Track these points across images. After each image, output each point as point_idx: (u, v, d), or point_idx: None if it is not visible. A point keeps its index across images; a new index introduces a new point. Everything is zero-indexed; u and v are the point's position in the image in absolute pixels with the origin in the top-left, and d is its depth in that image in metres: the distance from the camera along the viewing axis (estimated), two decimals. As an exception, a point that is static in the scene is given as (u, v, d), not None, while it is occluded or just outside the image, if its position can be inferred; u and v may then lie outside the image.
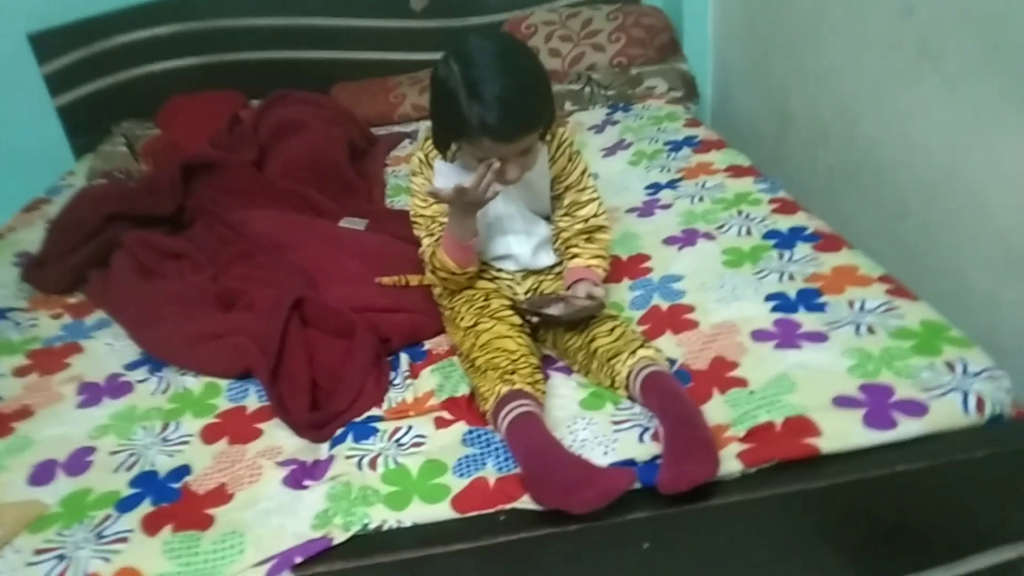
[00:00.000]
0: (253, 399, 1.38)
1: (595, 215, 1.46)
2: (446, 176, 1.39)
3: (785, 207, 1.71)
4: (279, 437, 1.28)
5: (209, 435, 1.30)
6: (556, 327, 1.34)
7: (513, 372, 1.22)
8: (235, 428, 1.30)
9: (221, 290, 1.61)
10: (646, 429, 1.16)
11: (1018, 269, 1.42)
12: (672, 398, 1.14)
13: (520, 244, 1.44)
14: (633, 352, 1.22)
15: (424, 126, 1.50)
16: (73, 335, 1.64)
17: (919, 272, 1.59)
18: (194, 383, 1.43)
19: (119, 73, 2.79)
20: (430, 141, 1.41)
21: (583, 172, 1.45)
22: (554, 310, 1.32)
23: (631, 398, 1.22)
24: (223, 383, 1.42)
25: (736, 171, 1.92)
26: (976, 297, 1.52)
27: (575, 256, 1.44)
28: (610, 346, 1.25)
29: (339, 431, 1.26)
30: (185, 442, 1.29)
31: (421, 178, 1.43)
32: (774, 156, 2.31)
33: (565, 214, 1.46)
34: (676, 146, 2.13)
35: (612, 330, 1.29)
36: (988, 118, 1.45)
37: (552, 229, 1.49)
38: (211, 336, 1.46)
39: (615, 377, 1.22)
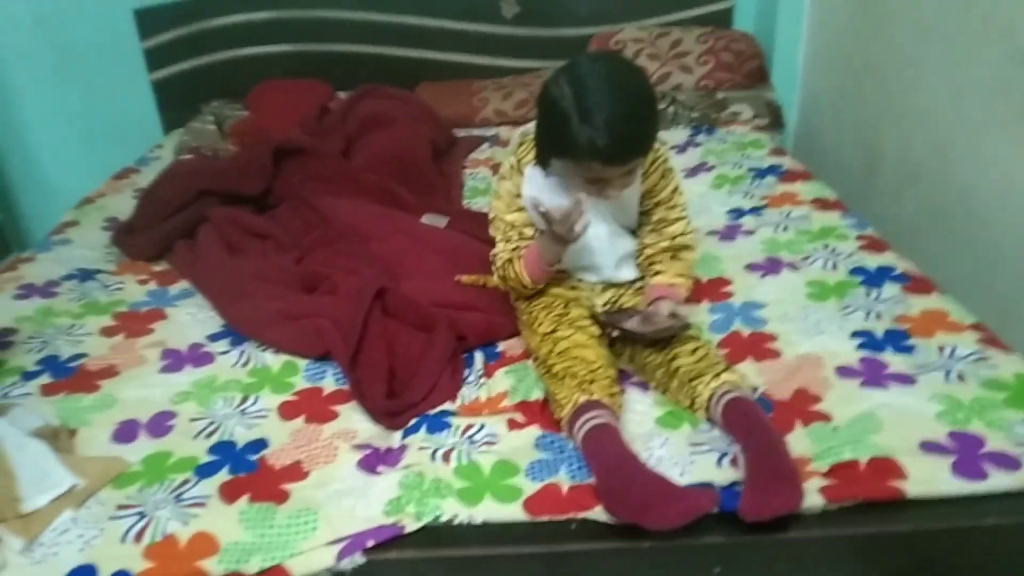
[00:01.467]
0: (330, 381, 1.40)
1: (682, 234, 1.45)
2: (536, 184, 1.40)
3: (873, 244, 1.68)
4: (354, 421, 1.29)
5: (287, 412, 1.32)
6: (636, 343, 1.34)
7: (592, 382, 1.21)
8: (312, 408, 1.32)
9: (304, 273, 1.64)
10: (724, 454, 1.14)
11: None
12: (756, 425, 1.12)
13: (604, 255, 1.44)
14: (717, 375, 1.21)
15: (516, 134, 1.51)
16: (158, 302, 1.69)
17: (1010, 323, 1.54)
18: (273, 360, 1.46)
19: (214, 54, 2.87)
20: (524, 147, 1.42)
21: (674, 190, 1.45)
22: (638, 326, 1.31)
23: (711, 421, 1.21)
24: (301, 363, 1.45)
25: (822, 204, 1.89)
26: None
27: (658, 273, 1.43)
28: (692, 367, 1.24)
29: (413, 421, 1.28)
30: (263, 416, 1.31)
31: (509, 183, 1.43)
32: (858, 193, 2.27)
33: (652, 231, 1.46)
34: (760, 173, 2.11)
35: (695, 351, 1.27)
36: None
37: (636, 244, 1.48)
38: (293, 316, 1.49)
39: (696, 398, 1.21)
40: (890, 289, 1.51)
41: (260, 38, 2.87)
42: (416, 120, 2.39)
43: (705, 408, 1.20)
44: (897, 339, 1.36)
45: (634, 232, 1.50)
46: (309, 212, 1.86)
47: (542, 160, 1.36)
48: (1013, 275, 1.65)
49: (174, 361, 1.47)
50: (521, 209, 1.42)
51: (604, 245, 1.44)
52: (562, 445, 1.19)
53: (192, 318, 1.62)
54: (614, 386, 1.24)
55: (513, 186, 1.43)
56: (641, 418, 1.25)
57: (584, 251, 1.44)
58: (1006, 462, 1.08)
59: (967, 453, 1.10)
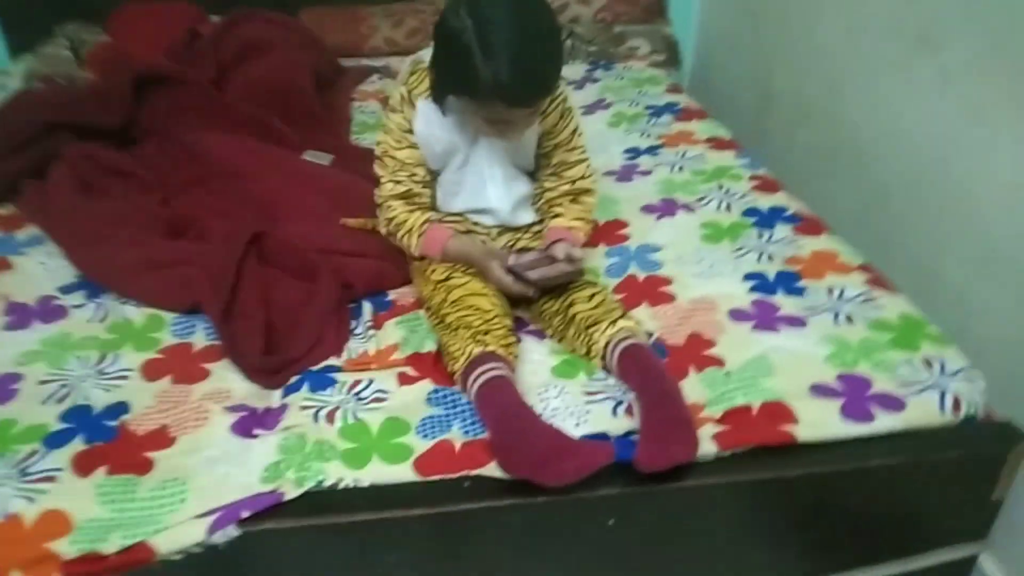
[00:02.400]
0: (200, 336, 1.29)
1: (583, 177, 1.39)
2: (428, 119, 1.30)
3: (766, 185, 1.68)
4: (228, 380, 1.19)
5: (151, 371, 1.20)
6: (526, 293, 1.28)
7: (486, 332, 1.16)
8: (180, 366, 1.21)
9: (171, 215, 1.50)
10: (620, 403, 1.12)
11: (994, 269, 1.42)
12: (652, 374, 1.10)
13: (500, 199, 1.37)
14: (613, 322, 1.17)
15: (407, 62, 1.39)
16: (2, 250, 1.50)
17: (892, 262, 1.58)
18: (136, 313, 1.33)
19: (67, -32, 2.56)
20: (416, 76, 1.31)
21: (574, 131, 1.38)
22: (532, 274, 1.25)
23: (606, 369, 1.17)
24: (168, 316, 1.33)
25: (717, 143, 1.88)
26: (948, 293, 1.52)
27: (557, 216, 1.37)
28: (589, 313, 1.20)
29: (294, 379, 1.19)
30: (124, 377, 1.19)
31: (400, 116, 1.33)
32: (751, 130, 2.27)
33: (552, 173, 1.39)
34: (657, 111, 2.07)
35: (591, 297, 1.23)
36: (983, 115, 1.43)
37: (535, 187, 1.42)
38: (158, 264, 1.36)
39: (592, 346, 1.17)
40: (782, 230, 1.51)
41: (120, -48, 2.58)
42: (298, 47, 2.21)
43: (601, 356, 1.17)
44: (788, 281, 1.36)
45: (531, 174, 1.43)
46: (176, 148, 1.69)
47: (438, 96, 1.27)
48: (898, 215, 1.69)
49: (20, 316, 1.32)
50: (413, 145, 1.32)
51: (500, 188, 1.37)
52: (455, 399, 1.14)
53: (43, 267, 1.46)
54: (510, 336, 1.19)
55: (404, 120, 1.32)
56: (537, 367, 1.21)
57: (479, 194, 1.37)
58: (891, 403, 1.10)
59: (855, 395, 1.11)
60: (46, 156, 1.70)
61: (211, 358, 1.24)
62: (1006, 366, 1.36)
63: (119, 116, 1.77)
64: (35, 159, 1.69)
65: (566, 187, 1.39)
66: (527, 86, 1.15)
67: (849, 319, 1.26)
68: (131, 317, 1.32)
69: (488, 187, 1.36)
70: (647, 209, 1.62)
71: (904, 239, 1.66)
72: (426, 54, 1.29)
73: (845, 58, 1.88)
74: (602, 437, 1.07)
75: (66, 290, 1.39)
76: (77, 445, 1.05)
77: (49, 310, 1.34)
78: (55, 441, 1.06)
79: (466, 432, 1.08)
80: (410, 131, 1.32)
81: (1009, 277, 1.39)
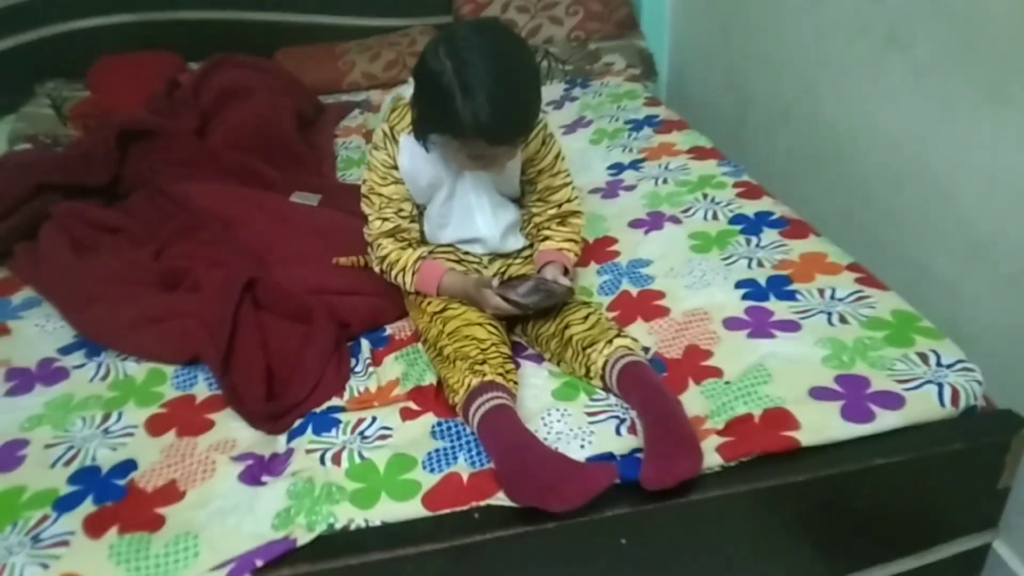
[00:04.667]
0: (202, 387, 1.29)
1: (568, 200, 1.41)
2: (411, 155, 1.32)
3: (750, 191, 1.69)
4: (233, 429, 1.20)
5: (155, 426, 1.21)
6: (525, 314, 1.29)
7: (484, 362, 1.16)
8: (184, 419, 1.22)
9: (164, 268, 1.51)
10: (622, 421, 1.13)
11: (980, 259, 1.43)
12: (652, 390, 1.10)
13: (488, 227, 1.38)
14: (609, 341, 1.18)
15: (388, 98, 1.41)
16: (-1, 315, 1.52)
17: (881, 260, 1.59)
18: (136, 369, 1.34)
19: (45, 27, 2.58)
20: (397, 113, 1.33)
21: (557, 156, 1.40)
22: (522, 298, 1.26)
23: (606, 388, 1.18)
24: (169, 369, 1.33)
25: (699, 153, 1.90)
26: (937, 286, 1.54)
27: (546, 239, 1.39)
28: (585, 334, 1.21)
29: (297, 422, 1.19)
30: (129, 434, 1.19)
31: (384, 153, 1.34)
32: (732, 137, 2.29)
33: (538, 199, 1.41)
34: (637, 125, 2.09)
35: (586, 317, 1.24)
36: (956, 108, 1.45)
37: (523, 213, 1.43)
38: (155, 319, 1.36)
39: (590, 367, 1.18)
40: (769, 235, 1.52)
41: (97, 7, 2.61)
42: (277, 90, 2.23)
43: (600, 376, 1.18)
44: (779, 285, 1.38)
45: (517, 200, 1.45)
46: (164, 200, 1.70)
47: (420, 134, 1.28)
48: (882, 212, 1.71)
49: (22, 381, 1.32)
50: (398, 181, 1.34)
51: (488, 217, 1.38)
52: (460, 431, 1.15)
53: (40, 330, 1.46)
54: (508, 363, 1.20)
55: (387, 156, 1.34)
56: (538, 392, 1.22)
57: (468, 224, 1.38)
58: (890, 401, 1.11)
59: (854, 396, 1.12)
60: (36, 217, 1.71)
61: (214, 408, 1.24)
62: (1001, 355, 1.38)
63: (105, 173, 1.78)
64: (25, 221, 1.71)
65: (553, 211, 1.40)
66: (507, 125, 1.17)
67: (843, 319, 1.27)
68: (132, 373, 1.33)
69: (476, 217, 1.37)
70: (635, 224, 1.63)
71: (891, 236, 1.68)
72: (406, 90, 1.30)
73: (817, 60, 1.90)
74: (608, 457, 1.07)
75: (66, 351, 1.40)
76: (87, 507, 1.05)
77: (50, 372, 1.34)
78: (65, 504, 1.06)
79: (472, 463, 1.09)
80: (395, 167, 1.33)
81: (995, 266, 1.40)
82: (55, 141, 2.21)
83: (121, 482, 1.10)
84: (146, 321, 1.36)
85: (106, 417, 1.23)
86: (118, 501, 1.07)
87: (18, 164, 1.85)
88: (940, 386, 1.12)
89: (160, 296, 1.44)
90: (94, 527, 1.02)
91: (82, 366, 1.36)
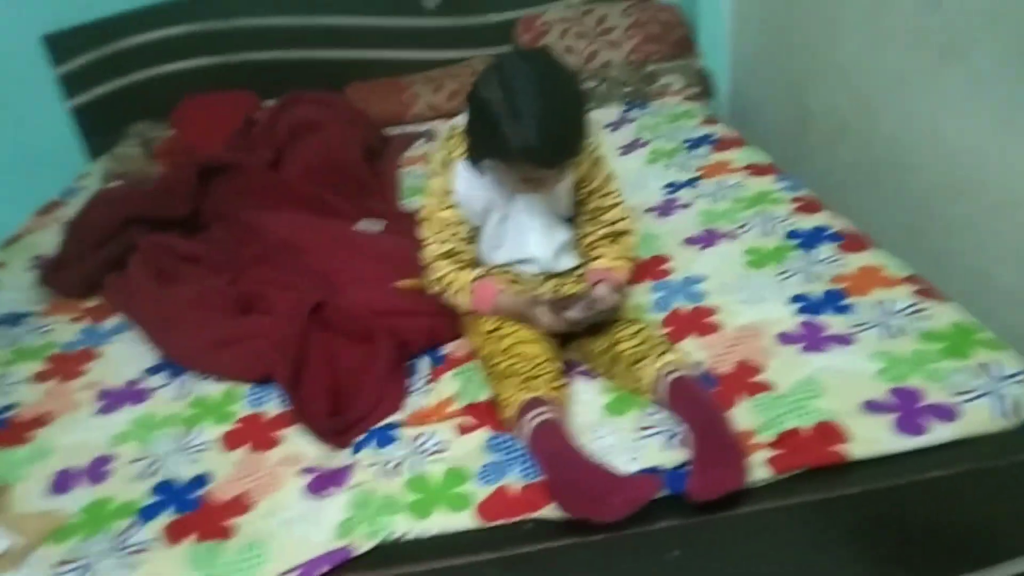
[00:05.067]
0: (273, 405, 1.37)
1: (620, 219, 1.45)
2: (467, 180, 1.38)
3: (807, 206, 1.68)
4: (300, 444, 1.27)
5: (230, 442, 1.29)
6: (575, 329, 1.32)
7: (535, 378, 1.20)
8: (255, 434, 1.30)
9: (239, 294, 1.60)
10: (673, 435, 1.14)
11: (1047, 269, 1.40)
12: (699, 404, 1.12)
13: (541, 247, 1.43)
14: (659, 356, 1.20)
15: (446, 126, 1.48)
16: (91, 340, 1.64)
17: (943, 272, 1.56)
18: (214, 388, 1.43)
19: (133, 74, 2.78)
20: (453, 141, 1.39)
21: (607, 177, 1.44)
22: (572, 313, 1.29)
23: (657, 403, 1.20)
24: (243, 388, 1.41)
25: (755, 169, 1.89)
26: (1001, 296, 1.49)
27: (598, 258, 1.42)
28: (634, 350, 1.23)
29: (360, 437, 1.25)
30: (205, 449, 1.28)
31: (440, 179, 1.41)
32: (793, 153, 2.28)
33: (589, 219, 1.45)
34: (694, 144, 2.10)
35: (636, 333, 1.27)
36: (1015, 118, 1.42)
37: (575, 233, 1.47)
38: (230, 341, 1.46)
39: (640, 381, 1.20)
40: (826, 249, 1.52)
41: (180, 53, 2.78)
42: (346, 123, 2.34)
43: (652, 391, 1.20)
44: (835, 299, 1.37)
45: (570, 220, 1.49)
46: (240, 230, 1.81)
47: (474, 159, 1.34)
48: (943, 223, 1.67)
49: (111, 401, 1.43)
50: (454, 205, 1.40)
51: (540, 237, 1.43)
52: (512, 445, 1.18)
53: (128, 353, 1.58)
54: (558, 379, 1.23)
55: (444, 182, 1.40)
56: (587, 408, 1.24)
57: (521, 245, 1.43)
58: (944, 413, 1.09)
59: (907, 408, 1.11)
60: (124, 249, 1.84)
61: (284, 425, 1.31)
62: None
63: (186, 206, 1.91)
64: (115, 253, 1.84)
65: (604, 230, 1.43)
66: (554, 149, 1.22)
67: (899, 332, 1.26)
68: (210, 392, 1.42)
69: (529, 237, 1.42)
70: (689, 241, 1.64)
71: (953, 247, 1.64)
72: (462, 119, 1.37)
73: (874, 73, 1.88)
74: (656, 471, 1.09)
75: (151, 372, 1.50)
76: (167, 517, 1.14)
77: (136, 392, 1.45)
78: (148, 514, 1.15)
79: (525, 475, 1.12)
80: (450, 192, 1.39)
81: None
82: (144, 177, 2.36)
83: (197, 493, 1.18)
84: (222, 343, 1.45)
85: (186, 433, 1.32)
86: (194, 511, 1.14)
87: (108, 200, 2.00)
88: (998, 397, 1.10)
89: (236, 319, 1.54)
90: (173, 535, 1.10)
91: (165, 386, 1.46)
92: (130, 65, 2.76)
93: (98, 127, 2.78)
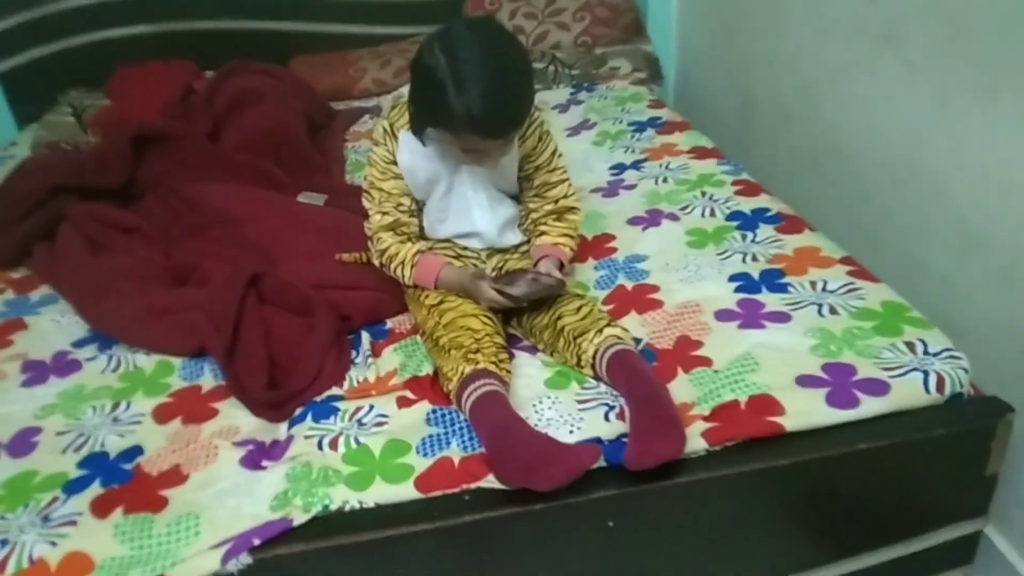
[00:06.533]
0: (208, 377, 1.33)
1: (565, 196, 1.44)
2: (410, 150, 1.36)
3: (748, 189, 1.72)
4: (236, 417, 1.24)
5: (162, 415, 1.25)
6: (518, 304, 1.32)
7: (477, 351, 1.20)
8: (189, 407, 1.26)
9: (174, 265, 1.56)
10: (612, 408, 1.15)
11: (974, 253, 1.44)
12: (638, 376, 1.13)
13: (486, 222, 1.42)
14: (600, 331, 1.21)
15: (389, 97, 1.46)
16: (17, 311, 1.57)
17: (879, 255, 1.61)
18: (146, 361, 1.38)
19: (66, 39, 2.67)
20: (397, 110, 1.37)
21: (553, 153, 1.43)
22: (514, 289, 1.29)
23: (597, 377, 1.21)
24: (176, 361, 1.38)
25: (700, 153, 1.92)
26: (933, 280, 1.55)
27: (543, 234, 1.42)
28: (576, 325, 1.24)
29: (298, 411, 1.23)
30: (137, 422, 1.24)
31: (383, 149, 1.39)
32: (737, 138, 2.32)
33: (535, 195, 1.44)
34: (640, 127, 2.12)
35: (578, 309, 1.27)
36: (950, 104, 1.47)
37: (520, 209, 1.47)
38: (163, 312, 1.41)
39: (581, 356, 1.21)
40: (765, 231, 1.55)
41: (116, 19, 2.69)
42: (289, 95, 2.29)
43: (591, 364, 1.20)
44: (772, 279, 1.40)
45: (515, 196, 1.48)
46: (176, 201, 1.76)
47: (416, 129, 1.32)
48: (878, 208, 1.72)
49: (37, 373, 1.37)
50: (397, 176, 1.38)
51: (485, 211, 1.42)
52: (453, 418, 1.18)
53: (56, 325, 1.52)
54: (501, 353, 1.23)
55: (387, 152, 1.38)
56: (530, 381, 1.24)
57: (465, 219, 1.42)
58: (876, 387, 1.13)
59: (840, 383, 1.14)
60: (53, 218, 1.77)
61: (219, 397, 1.28)
62: (995, 347, 1.38)
63: (120, 176, 1.84)
64: (43, 222, 1.77)
65: (550, 207, 1.43)
66: (498, 119, 1.21)
67: (833, 310, 1.29)
68: (141, 365, 1.38)
69: (474, 211, 1.41)
70: (633, 221, 1.66)
71: (887, 232, 1.69)
72: (406, 89, 1.35)
73: (817, 61, 1.92)
74: (596, 442, 1.10)
75: (79, 344, 1.45)
76: (95, 490, 1.10)
77: (64, 364, 1.39)
78: (74, 487, 1.10)
79: (464, 448, 1.12)
80: (394, 162, 1.37)
81: (987, 260, 1.41)
82: (75, 147, 2.27)
83: (128, 466, 1.14)
84: (155, 314, 1.41)
85: (115, 406, 1.28)
86: (124, 484, 1.11)
87: (36, 167, 1.92)
88: (926, 373, 1.14)
89: (169, 291, 1.50)
90: (101, 508, 1.06)
91: (94, 358, 1.41)
92: (62, 30, 2.66)
93: (27, 94, 2.66)
